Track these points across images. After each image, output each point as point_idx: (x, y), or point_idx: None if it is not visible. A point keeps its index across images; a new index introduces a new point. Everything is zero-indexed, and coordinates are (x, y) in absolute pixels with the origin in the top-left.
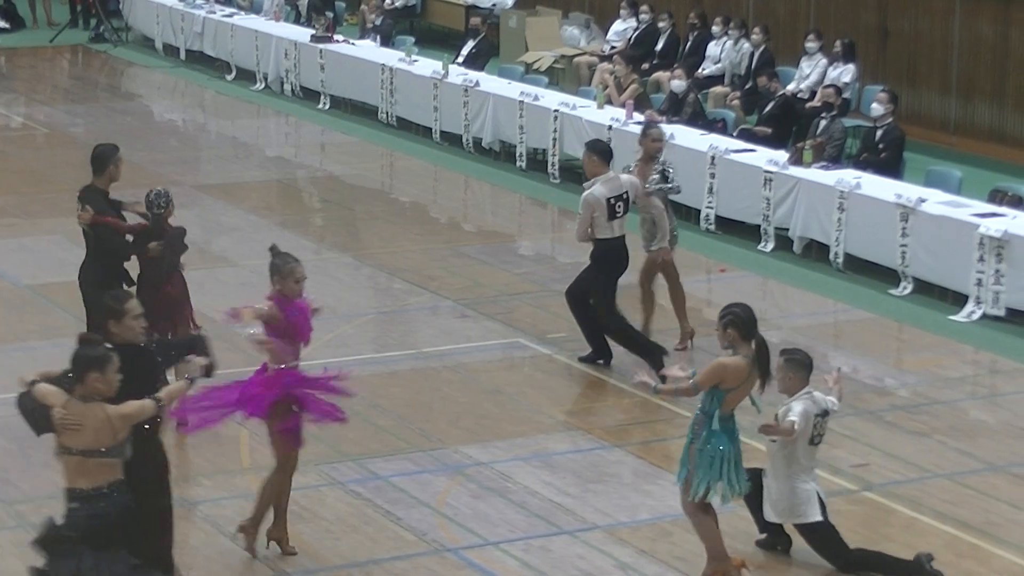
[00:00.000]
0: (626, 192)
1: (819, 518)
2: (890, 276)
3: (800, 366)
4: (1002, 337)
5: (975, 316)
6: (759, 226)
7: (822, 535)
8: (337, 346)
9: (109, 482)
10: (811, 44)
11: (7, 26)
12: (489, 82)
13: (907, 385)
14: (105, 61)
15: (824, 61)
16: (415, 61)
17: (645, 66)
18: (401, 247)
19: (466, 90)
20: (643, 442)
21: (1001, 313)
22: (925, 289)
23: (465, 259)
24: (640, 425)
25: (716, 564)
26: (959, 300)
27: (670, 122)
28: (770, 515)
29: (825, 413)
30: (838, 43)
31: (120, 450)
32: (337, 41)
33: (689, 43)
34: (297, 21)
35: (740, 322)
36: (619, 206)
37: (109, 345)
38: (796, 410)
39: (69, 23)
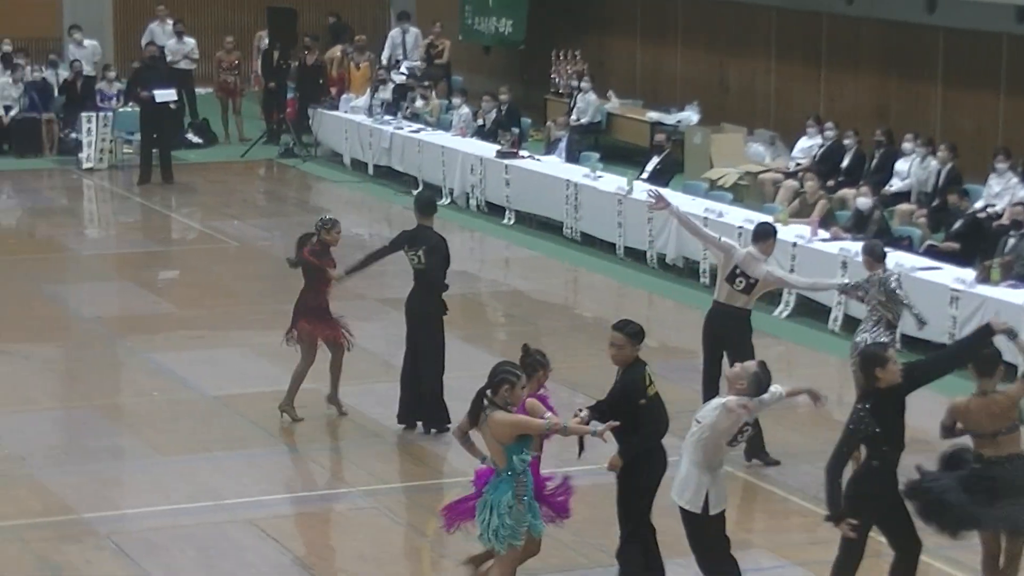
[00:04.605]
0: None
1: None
2: None
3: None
4: None
5: None
6: (945, 345)
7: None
8: None
9: (1009, 453)
10: (1000, 164)
11: (200, 141)
12: (673, 198)
13: None
14: (294, 176)
15: (1015, 180)
16: (600, 177)
17: (831, 183)
18: (583, 362)
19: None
20: (826, 561)
21: None
22: None
23: None
24: (822, 545)
25: None
26: None
27: (855, 239)
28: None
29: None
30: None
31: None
32: (522, 157)
33: (876, 160)
34: (483, 137)
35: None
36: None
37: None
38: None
39: (264, 136)
